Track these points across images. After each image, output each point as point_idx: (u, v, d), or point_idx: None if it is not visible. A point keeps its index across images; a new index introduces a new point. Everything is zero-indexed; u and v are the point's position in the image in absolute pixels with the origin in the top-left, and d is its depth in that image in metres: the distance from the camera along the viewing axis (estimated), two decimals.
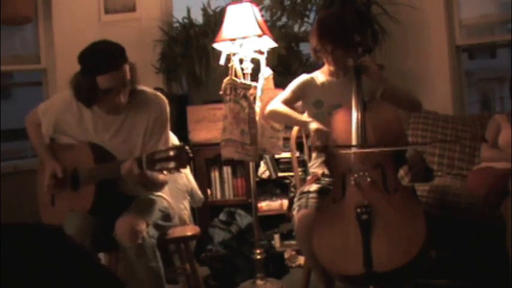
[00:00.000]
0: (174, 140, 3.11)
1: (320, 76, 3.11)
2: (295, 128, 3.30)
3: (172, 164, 2.34)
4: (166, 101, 2.81)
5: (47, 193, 2.82)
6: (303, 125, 2.94)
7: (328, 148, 2.73)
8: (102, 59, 2.54)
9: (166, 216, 2.83)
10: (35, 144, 2.91)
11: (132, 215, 2.59)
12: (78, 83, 2.58)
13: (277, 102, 3.07)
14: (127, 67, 2.59)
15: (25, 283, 0.96)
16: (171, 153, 2.34)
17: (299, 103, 3.16)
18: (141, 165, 2.42)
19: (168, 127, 2.83)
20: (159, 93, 2.84)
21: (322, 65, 3.14)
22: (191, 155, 2.37)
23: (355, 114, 2.76)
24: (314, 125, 2.82)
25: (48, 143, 2.88)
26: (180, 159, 2.34)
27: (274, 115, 3.11)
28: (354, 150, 2.65)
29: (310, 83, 3.09)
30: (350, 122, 2.75)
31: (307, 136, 3.30)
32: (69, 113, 2.75)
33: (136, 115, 2.74)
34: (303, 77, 3.13)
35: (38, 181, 2.94)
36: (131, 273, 2.56)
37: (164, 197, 2.91)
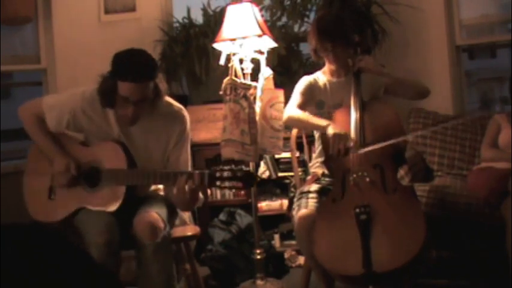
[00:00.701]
0: None
1: (321, 77, 3.11)
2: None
3: (239, 184, 2.39)
4: (187, 115, 2.80)
5: (42, 184, 2.73)
6: (321, 129, 2.86)
7: (349, 151, 2.67)
8: (129, 67, 2.50)
9: (175, 217, 2.84)
10: (38, 138, 2.73)
11: (151, 213, 2.56)
12: (103, 79, 2.57)
13: (293, 108, 3.00)
14: (151, 84, 2.54)
15: (24, 283, 0.96)
16: (238, 174, 2.38)
17: None
18: (202, 181, 2.41)
19: (189, 143, 2.83)
20: (183, 108, 2.81)
21: (323, 65, 3.14)
22: (259, 179, 2.43)
23: (354, 115, 2.76)
24: (331, 130, 2.73)
25: (52, 135, 2.73)
26: (247, 182, 2.40)
27: (293, 121, 3.03)
28: (368, 148, 2.63)
29: (313, 84, 3.09)
30: (349, 122, 2.76)
31: (307, 136, 3.30)
32: (91, 110, 2.65)
33: (160, 124, 2.71)
34: (306, 79, 3.12)
35: (28, 169, 2.82)
36: (145, 271, 2.54)
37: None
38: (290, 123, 3.12)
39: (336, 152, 2.68)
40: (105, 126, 2.68)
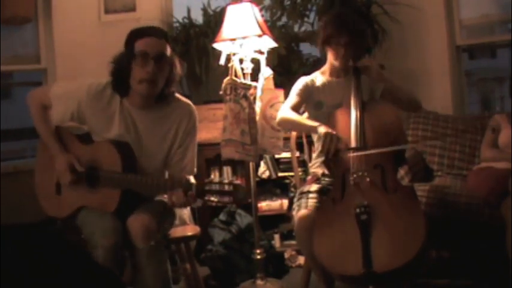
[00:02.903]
0: None
1: (319, 77, 3.11)
2: None
3: (227, 199, 2.32)
4: (196, 111, 2.79)
5: (50, 179, 2.72)
6: (313, 130, 2.87)
7: (340, 152, 2.68)
8: (145, 28, 2.57)
9: (172, 218, 2.82)
10: (41, 129, 2.71)
11: (145, 216, 2.53)
12: (117, 57, 2.59)
13: (286, 110, 3.01)
14: (168, 46, 2.58)
15: (25, 283, 0.96)
16: (227, 187, 2.31)
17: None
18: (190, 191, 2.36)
19: (196, 141, 2.80)
20: (192, 104, 2.79)
21: (322, 65, 3.14)
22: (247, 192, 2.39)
23: (354, 115, 2.76)
24: (322, 129, 2.74)
25: (55, 129, 2.72)
26: (237, 197, 2.32)
27: (285, 123, 3.04)
28: (363, 152, 2.64)
29: (311, 85, 3.09)
30: (349, 122, 2.76)
31: (307, 136, 3.30)
32: (96, 102, 2.62)
33: (168, 118, 2.70)
34: (303, 80, 3.12)
35: (37, 165, 2.82)
36: (139, 274, 2.52)
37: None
38: (282, 125, 3.12)
39: (326, 151, 2.69)
40: (108, 120, 2.64)
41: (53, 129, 2.71)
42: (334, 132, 2.71)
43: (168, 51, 2.58)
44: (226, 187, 2.31)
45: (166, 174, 2.72)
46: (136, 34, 2.54)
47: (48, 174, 2.74)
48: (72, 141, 2.72)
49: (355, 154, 2.64)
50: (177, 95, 2.77)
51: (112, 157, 2.57)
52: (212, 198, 2.33)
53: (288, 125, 3.07)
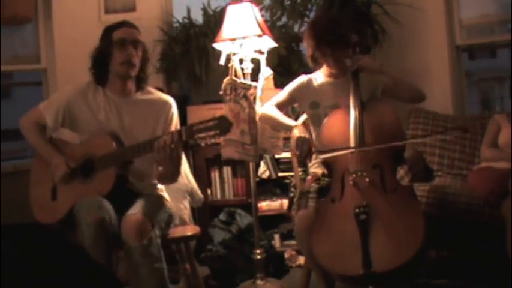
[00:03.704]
0: None
1: (319, 77, 3.11)
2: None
3: (213, 132, 2.40)
4: (175, 105, 2.91)
5: (45, 189, 2.79)
6: (288, 129, 3.00)
7: (308, 156, 2.77)
8: (117, 22, 2.83)
9: (170, 217, 2.84)
10: (36, 142, 2.85)
11: (139, 214, 2.56)
12: (95, 50, 2.82)
13: (269, 105, 3.15)
14: (140, 33, 2.83)
15: (25, 283, 0.96)
16: (211, 123, 2.40)
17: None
18: (180, 137, 2.47)
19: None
20: (171, 98, 2.93)
21: (322, 64, 3.13)
22: (232, 122, 2.47)
23: (353, 115, 2.75)
24: (296, 132, 2.85)
25: (49, 139, 2.87)
26: (222, 127, 2.40)
27: (263, 118, 3.21)
28: (336, 153, 2.67)
29: (307, 84, 3.09)
30: (347, 122, 2.75)
31: None
32: (82, 97, 2.80)
33: (147, 105, 2.84)
34: (300, 79, 3.13)
35: (32, 180, 2.91)
36: (134, 273, 2.53)
37: (166, 197, 2.92)
38: (262, 120, 3.24)
39: (297, 154, 2.78)
40: (95, 113, 2.79)
41: (47, 139, 2.87)
42: (305, 136, 2.80)
43: (141, 39, 2.83)
44: (211, 122, 2.40)
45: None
46: (112, 27, 2.81)
47: (43, 184, 2.83)
48: (65, 146, 2.85)
49: (353, 151, 2.65)
50: (155, 90, 2.96)
51: (104, 142, 2.69)
52: (201, 135, 2.41)
53: (266, 120, 3.20)
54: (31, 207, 2.88)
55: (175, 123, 2.86)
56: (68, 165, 2.71)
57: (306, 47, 3.03)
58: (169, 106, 2.87)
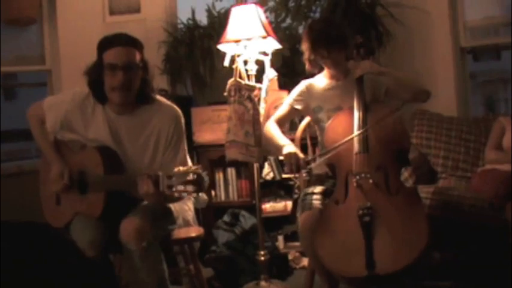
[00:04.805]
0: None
1: (321, 80, 3.10)
2: (300, 129, 3.31)
3: (191, 188, 2.30)
4: (181, 113, 2.82)
5: (51, 193, 2.80)
6: (278, 149, 2.92)
7: (299, 170, 2.78)
8: (113, 36, 2.62)
9: (171, 219, 2.83)
10: (39, 141, 2.83)
11: (137, 218, 2.55)
12: (89, 68, 2.66)
13: (271, 122, 3.11)
14: (137, 53, 2.63)
15: (24, 281, 0.96)
16: (190, 177, 2.29)
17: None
18: (157, 185, 2.37)
19: (185, 141, 2.84)
20: (175, 106, 2.83)
21: (321, 70, 3.13)
22: (206, 178, 2.34)
23: (357, 116, 2.75)
24: (285, 150, 2.82)
25: (53, 140, 2.83)
26: (199, 184, 2.30)
27: (264, 138, 3.18)
28: (328, 155, 2.70)
29: (308, 90, 3.09)
30: (351, 123, 2.75)
31: (312, 138, 3.30)
32: (80, 110, 2.72)
33: (150, 122, 2.73)
34: (299, 88, 3.13)
35: (40, 179, 2.92)
36: (135, 276, 2.55)
37: None
38: (264, 141, 3.22)
39: (289, 169, 2.78)
40: (92, 127, 2.72)
41: (50, 140, 2.81)
42: (294, 151, 2.78)
43: (138, 57, 2.63)
44: (190, 176, 2.29)
45: None
46: (104, 45, 2.61)
47: (49, 187, 2.81)
48: (67, 151, 2.81)
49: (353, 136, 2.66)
50: (160, 98, 2.83)
51: (95, 161, 2.64)
52: (180, 189, 2.32)
53: (265, 140, 3.18)
54: (42, 207, 2.90)
55: (181, 135, 2.79)
56: (65, 177, 2.69)
57: (304, 51, 3.03)
58: (172, 119, 2.77)
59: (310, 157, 2.93)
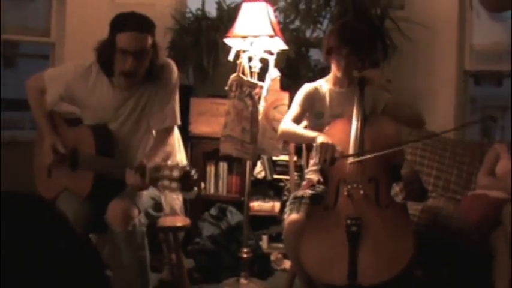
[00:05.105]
0: (178, 136, 3.08)
1: (324, 85, 3.11)
2: None
3: (175, 185, 2.28)
4: (175, 67, 2.81)
5: (43, 164, 2.80)
6: (312, 140, 2.87)
7: (336, 161, 2.68)
8: (128, 18, 2.57)
9: (158, 206, 2.82)
10: (36, 113, 2.83)
11: (125, 201, 2.56)
12: (100, 44, 2.65)
13: (288, 122, 3.03)
14: (149, 38, 2.60)
15: (15, 252, 0.96)
16: (175, 173, 2.27)
17: None
18: (144, 176, 2.37)
19: (177, 95, 2.82)
20: (169, 60, 2.82)
21: (329, 72, 3.13)
22: (195, 178, 2.30)
23: (354, 126, 2.76)
24: (320, 139, 2.77)
25: (49, 113, 2.83)
26: (185, 183, 2.27)
27: (286, 135, 3.08)
28: (357, 158, 2.65)
29: (314, 93, 3.09)
30: (348, 132, 2.76)
31: (307, 147, 3.28)
32: (84, 80, 2.73)
33: (151, 92, 2.75)
34: (307, 88, 3.11)
35: (35, 151, 2.92)
36: (117, 258, 2.55)
37: None
38: (284, 137, 3.18)
39: (322, 161, 2.71)
40: (96, 97, 2.73)
41: (46, 112, 2.82)
42: (330, 142, 2.72)
43: (149, 42, 2.61)
44: (175, 173, 2.27)
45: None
46: (117, 26, 2.58)
47: (42, 159, 2.83)
48: (62, 125, 2.82)
49: (349, 161, 2.65)
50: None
51: (88, 140, 2.65)
52: (165, 185, 2.30)
53: (289, 137, 3.12)
54: (34, 177, 2.91)
55: (172, 87, 2.79)
56: (56, 151, 2.70)
57: (327, 40, 3.01)
58: (166, 70, 2.77)
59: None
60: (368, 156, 2.63)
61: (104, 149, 2.64)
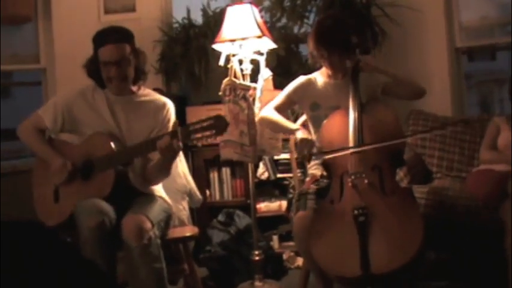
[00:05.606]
0: None
1: (319, 78, 3.10)
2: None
3: (209, 132, 2.43)
4: (172, 105, 2.93)
5: (48, 191, 2.81)
6: (290, 132, 3.00)
7: (312, 157, 2.80)
8: (105, 33, 2.78)
9: (169, 217, 2.85)
10: (35, 145, 2.88)
11: (138, 214, 2.58)
12: (88, 61, 2.85)
13: (269, 109, 3.11)
14: (127, 47, 2.77)
15: (19, 279, 0.96)
16: (207, 123, 2.44)
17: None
18: (176, 137, 2.49)
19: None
20: (169, 100, 2.94)
21: (321, 65, 3.13)
22: (228, 121, 2.48)
23: (352, 116, 2.76)
24: (299, 134, 2.86)
25: (48, 140, 2.90)
26: (218, 126, 2.43)
27: (264, 122, 3.17)
28: (341, 152, 2.66)
29: (307, 85, 3.09)
30: (347, 124, 2.75)
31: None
32: (82, 99, 2.85)
33: (144, 106, 2.86)
34: (300, 80, 3.12)
35: (34, 181, 2.92)
36: (134, 273, 2.54)
37: (165, 198, 2.91)
38: (262, 123, 3.22)
39: (301, 156, 2.82)
40: (96, 110, 2.83)
41: (46, 141, 2.90)
42: (310, 138, 2.81)
43: (128, 50, 2.78)
44: (207, 122, 2.44)
45: None
46: (97, 42, 2.79)
47: (45, 186, 2.84)
48: (64, 147, 2.87)
49: (350, 151, 2.65)
50: (154, 92, 2.98)
51: (102, 141, 2.73)
52: (197, 136, 2.45)
53: (267, 124, 3.17)
54: (35, 209, 2.89)
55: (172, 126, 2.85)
56: (68, 167, 2.73)
57: (308, 43, 3.03)
58: (167, 108, 2.88)
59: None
60: (345, 151, 2.66)
61: (118, 144, 2.74)
